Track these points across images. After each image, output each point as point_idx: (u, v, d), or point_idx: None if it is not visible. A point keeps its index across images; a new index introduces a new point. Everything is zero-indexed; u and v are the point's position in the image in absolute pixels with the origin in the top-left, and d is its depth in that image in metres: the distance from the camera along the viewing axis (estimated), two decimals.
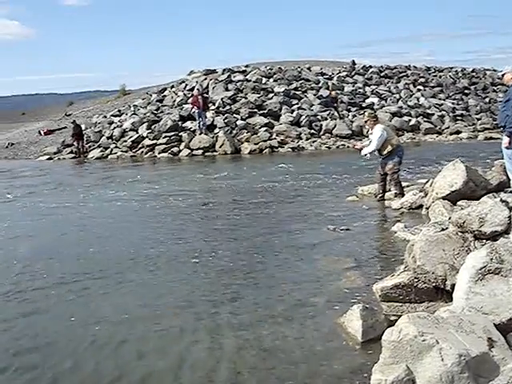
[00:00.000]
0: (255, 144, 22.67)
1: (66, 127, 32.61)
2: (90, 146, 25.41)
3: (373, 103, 27.88)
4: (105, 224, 10.46)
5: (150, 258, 7.85)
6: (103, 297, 6.41)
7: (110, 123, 27.65)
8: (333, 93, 26.82)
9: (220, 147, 22.61)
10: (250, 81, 28.61)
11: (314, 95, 27.47)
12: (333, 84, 29.20)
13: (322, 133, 24.16)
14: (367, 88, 30.52)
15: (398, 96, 29.82)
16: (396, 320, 4.54)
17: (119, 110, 30.38)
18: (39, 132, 33.40)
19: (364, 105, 27.59)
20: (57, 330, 5.57)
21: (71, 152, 25.63)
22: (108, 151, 24.39)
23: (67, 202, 13.07)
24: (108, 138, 25.66)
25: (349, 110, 26.55)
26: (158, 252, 8.11)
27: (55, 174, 19.83)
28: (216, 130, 23.70)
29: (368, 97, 29.11)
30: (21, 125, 57.60)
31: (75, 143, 25.55)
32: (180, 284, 6.68)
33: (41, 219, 11.26)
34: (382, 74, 33.96)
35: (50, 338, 5.36)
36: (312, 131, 24.18)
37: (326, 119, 24.83)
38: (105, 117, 30.37)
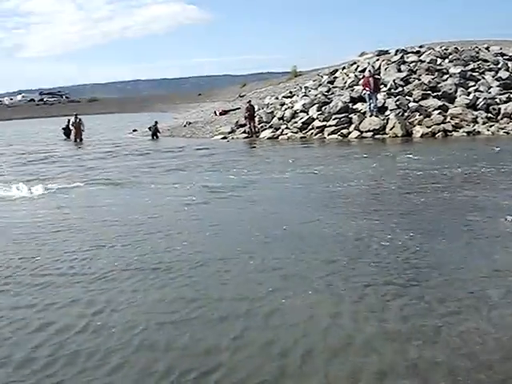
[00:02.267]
0: (427, 127, 22.01)
1: (239, 108, 33.87)
2: (261, 127, 26.22)
3: None
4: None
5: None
6: None
7: (282, 104, 28.25)
8: None
9: (390, 130, 22.26)
10: (424, 62, 27.66)
11: (493, 77, 25.97)
12: None
13: (500, 117, 22.84)
14: None
15: None
16: None
17: (290, 92, 30.91)
18: (214, 112, 35.05)
19: None
20: None
21: (244, 132, 26.65)
22: (279, 132, 25.03)
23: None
24: (279, 118, 26.27)
25: None
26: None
27: (233, 151, 20.75)
28: (387, 113, 23.30)
29: None
30: (197, 105, 60.83)
31: (248, 123, 26.51)
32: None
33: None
34: None
35: None
36: (489, 115, 22.92)
37: (506, 102, 23.42)
38: (276, 98, 31.07)
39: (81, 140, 30.73)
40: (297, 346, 4.76)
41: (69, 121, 32.70)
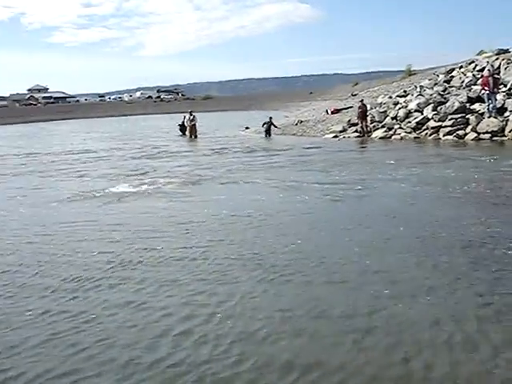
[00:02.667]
0: None
1: (351, 107, 33.71)
2: (374, 126, 26.01)
3: None
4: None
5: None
6: None
7: (395, 104, 27.86)
8: None
9: (510, 132, 21.38)
10: None
11: None
12: None
13: None
14: None
15: None
16: None
17: (405, 91, 30.41)
18: (326, 111, 35.04)
19: None
20: None
21: (356, 131, 26.54)
22: (391, 132, 24.74)
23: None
24: (392, 118, 25.94)
25: None
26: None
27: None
28: (506, 114, 22.38)
29: None
30: (308, 103, 61.00)
31: (360, 122, 26.38)
32: None
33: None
34: None
35: None
36: None
37: None
38: (390, 97, 30.68)
39: (195, 137, 31.68)
40: None
41: (184, 118, 33.76)
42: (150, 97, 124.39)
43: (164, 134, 35.79)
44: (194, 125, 32.23)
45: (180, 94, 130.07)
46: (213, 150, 23.89)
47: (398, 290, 6.16)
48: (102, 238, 9.17)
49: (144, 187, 14.30)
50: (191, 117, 32.43)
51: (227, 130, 36.42)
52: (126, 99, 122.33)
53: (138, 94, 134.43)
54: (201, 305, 6.03)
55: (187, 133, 32.63)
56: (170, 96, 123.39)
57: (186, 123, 33.18)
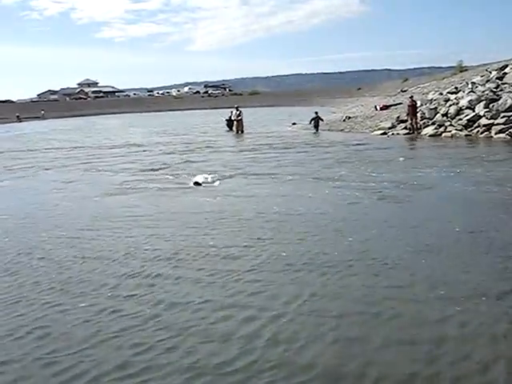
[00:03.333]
0: None
1: (401, 103, 33.24)
2: (423, 123, 25.56)
3: None
4: None
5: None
6: None
7: (446, 100, 27.33)
8: None
9: None
10: None
11: None
12: None
13: None
14: None
15: None
16: None
17: (456, 87, 29.79)
18: (375, 107, 34.66)
19: None
20: None
21: (405, 128, 26.13)
22: (442, 129, 24.28)
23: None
24: (443, 115, 25.43)
25: None
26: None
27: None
28: None
29: None
30: (356, 99, 60.47)
31: (409, 119, 25.96)
32: None
33: None
34: None
35: None
36: None
37: None
38: (440, 94, 30.12)
39: (242, 132, 31.73)
40: None
41: (231, 113, 33.84)
42: (197, 92, 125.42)
43: (211, 130, 35.97)
44: (241, 120, 32.25)
45: (227, 89, 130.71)
46: (260, 145, 23.91)
47: None
48: (152, 231, 9.31)
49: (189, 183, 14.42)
50: (238, 112, 32.48)
51: (274, 126, 36.38)
52: (174, 94, 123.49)
53: (185, 89, 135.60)
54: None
55: (234, 128, 32.69)
56: (217, 91, 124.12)
57: (233, 117, 33.26)
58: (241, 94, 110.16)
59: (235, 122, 32.59)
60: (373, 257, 7.38)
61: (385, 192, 11.95)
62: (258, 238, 8.51)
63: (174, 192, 13.25)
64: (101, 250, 8.35)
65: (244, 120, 32.67)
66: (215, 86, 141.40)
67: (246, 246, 8.14)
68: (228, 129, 34.01)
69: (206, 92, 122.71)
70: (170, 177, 15.64)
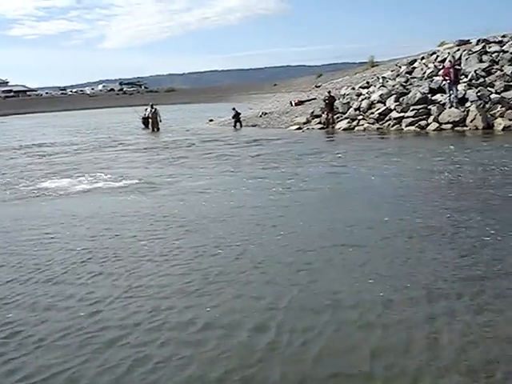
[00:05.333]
0: (510, 120, 21.28)
1: (315, 98, 33.69)
2: (337, 117, 26.05)
3: None
4: None
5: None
6: None
7: (358, 95, 27.98)
8: None
9: (471, 122, 21.65)
10: (507, 52, 26.70)
11: None
12: None
13: None
14: None
15: None
16: None
17: (367, 82, 30.53)
18: (290, 102, 34.94)
19: None
20: None
21: (319, 123, 26.56)
22: (355, 123, 24.82)
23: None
24: (355, 109, 26.01)
25: None
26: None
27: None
28: (467, 104, 22.64)
29: None
30: (272, 95, 60.84)
31: (323, 114, 26.41)
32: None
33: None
34: None
35: None
36: None
37: None
38: (353, 88, 30.78)
39: (158, 130, 31.37)
40: None
41: (146, 110, 33.41)
42: (112, 89, 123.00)
43: (126, 128, 35.34)
44: (156, 118, 31.87)
45: (143, 87, 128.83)
46: (174, 142, 23.70)
47: None
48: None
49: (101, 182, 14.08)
50: (153, 110, 32.08)
51: (191, 123, 36.16)
52: (88, 92, 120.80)
53: (100, 86, 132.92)
54: None
55: (150, 126, 32.27)
56: (132, 89, 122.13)
57: (148, 116, 32.82)
58: (157, 92, 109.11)
59: (151, 120, 32.20)
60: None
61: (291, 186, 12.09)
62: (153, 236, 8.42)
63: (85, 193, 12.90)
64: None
65: (160, 118, 32.29)
66: (130, 83, 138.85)
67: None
68: (144, 127, 33.52)
69: (121, 89, 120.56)
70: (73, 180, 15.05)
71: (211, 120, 35.87)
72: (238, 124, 30.37)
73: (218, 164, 16.27)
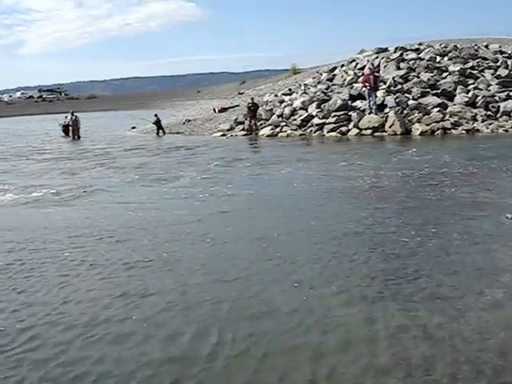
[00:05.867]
0: (427, 125, 21.98)
1: (238, 105, 33.78)
2: (260, 124, 26.16)
3: None
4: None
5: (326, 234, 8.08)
6: None
7: (281, 102, 28.23)
8: None
9: (390, 127, 22.23)
10: (424, 59, 27.66)
11: (492, 75, 25.94)
12: None
13: (499, 115, 22.82)
14: None
15: None
16: None
17: (290, 89, 30.88)
18: (213, 109, 34.90)
19: None
20: None
21: (243, 129, 26.61)
22: (278, 129, 24.97)
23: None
24: (278, 116, 26.21)
25: None
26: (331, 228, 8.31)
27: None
28: (386, 110, 23.26)
29: None
30: (196, 102, 60.71)
31: (246, 121, 26.49)
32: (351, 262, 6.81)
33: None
34: None
35: None
36: (488, 113, 22.93)
37: (505, 100, 23.36)
38: (276, 95, 31.04)
39: (78, 137, 30.62)
40: None
41: (66, 118, 32.67)
42: (31, 97, 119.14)
43: (46, 136, 34.25)
44: (77, 125, 31.11)
45: (63, 94, 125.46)
46: (93, 150, 23.12)
47: None
48: None
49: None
50: (73, 117, 31.30)
51: (113, 130, 35.46)
52: (6, 100, 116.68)
53: (18, 94, 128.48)
54: None
55: (70, 134, 31.49)
56: (52, 96, 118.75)
57: (68, 124, 32.03)
58: (77, 99, 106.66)
59: (71, 128, 31.42)
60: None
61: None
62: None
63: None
64: None
65: (81, 125, 31.55)
66: (50, 90, 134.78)
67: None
68: (64, 134, 32.67)
69: (41, 97, 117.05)
70: None
71: (134, 127, 35.30)
72: (160, 131, 30.11)
73: (140, 172, 15.94)
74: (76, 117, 31.32)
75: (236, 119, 28.18)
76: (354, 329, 5.07)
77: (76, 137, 30.70)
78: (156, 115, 30.78)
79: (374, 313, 5.38)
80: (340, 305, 5.63)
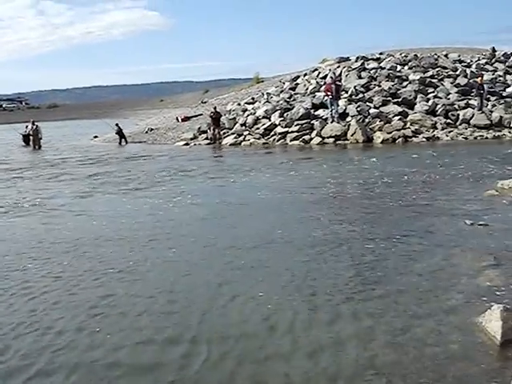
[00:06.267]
0: (388, 133, 22.26)
1: (201, 114, 33.70)
2: (224, 133, 26.14)
3: None
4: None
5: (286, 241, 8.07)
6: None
7: (244, 111, 28.26)
8: (478, 79, 24.85)
9: (352, 136, 22.44)
10: (384, 68, 28.04)
11: (451, 83, 26.42)
12: (471, 72, 27.84)
13: (458, 123, 23.23)
14: (508, 76, 28.79)
15: None
16: None
17: (253, 98, 30.93)
18: (176, 118, 34.76)
19: (504, 94, 26.10)
20: None
21: (206, 138, 26.56)
22: (241, 138, 24.99)
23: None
24: (242, 125, 26.25)
25: (488, 100, 25.22)
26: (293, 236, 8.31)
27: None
28: (348, 119, 23.50)
29: (509, 85, 27.47)
30: (159, 111, 60.44)
31: (210, 130, 26.48)
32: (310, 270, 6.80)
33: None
34: None
35: None
36: (448, 121, 23.32)
37: (464, 108, 23.80)
38: (239, 104, 31.06)
39: (39, 147, 30.14)
40: None
41: (27, 127, 32.22)
42: None
43: (5, 146, 33.62)
44: (37, 135, 30.62)
45: (23, 103, 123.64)
46: (53, 160, 22.77)
47: None
48: None
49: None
50: (34, 126, 30.81)
51: (75, 140, 35.03)
52: None
53: None
54: None
55: (31, 143, 31.00)
56: (12, 105, 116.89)
57: (29, 133, 31.54)
58: (38, 108, 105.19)
59: (32, 138, 30.93)
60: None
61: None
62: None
63: None
64: None
65: (42, 134, 31.06)
66: (10, 99, 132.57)
67: None
68: (25, 144, 32.17)
69: (0, 106, 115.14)
70: None
71: (96, 136, 34.95)
72: (123, 140, 29.88)
73: (101, 182, 15.74)
74: (37, 126, 30.84)
75: (199, 128, 28.11)
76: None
77: (37, 146, 30.23)
78: (117, 124, 30.55)
79: (338, 316, 5.38)
80: (309, 309, 5.62)
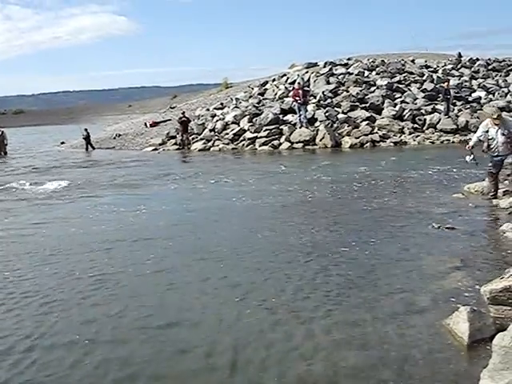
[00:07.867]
0: (356, 138, 22.42)
1: (170, 119, 33.53)
2: (193, 139, 26.04)
3: (480, 97, 26.72)
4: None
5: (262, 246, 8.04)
6: None
7: (213, 116, 28.19)
8: (445, 84, 25.17)
9: (320, 141, 22.54)
10: (352, 74, 28.28)
11: (418, 88, 26.75)
12: (438, 77, 28.24)
13: (425, 127, 23.50)
14: (474, 81, 29.28)
15: (506, 90, 28.40)
16: (505, 324, 4.43)
17: (222, 103, 30.89)
18: (145, 124, 34.52)
19: (470, 99, 26.52)
20: None
21: (175, 144, 26.44)
22: (210, 143, 24.93)
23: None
24: (210, 130, 26.19)
25: (454, 104, 25.58)
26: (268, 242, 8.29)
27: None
28: (317, 124, 23.60)
29: (475, 90, 27.97)
30: (127, 117, 60.01)
31: (178, 135, 26.38)
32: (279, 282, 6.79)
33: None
34: (490, 67, 32.37)
35: None
36: (415, 125, 23.58)
37: (431, 113, 24.09)
38: (208, 110, 30.97)
39: (5, 153, 29.65)
40: None
41: None
42: None
43: None
44: (3, 141, 30.09)
45: None
46: (21, 168, 22.44)
47: None
48: None
49: None
50: None
51: (41, 146, 34.55)
52: None
53: None
54: None
55: None
56: None
57: None
58: (4, 113, 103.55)
59: None
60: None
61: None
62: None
63: None
64: None
65: (7, 141, 30.53)
66: None
67: None
68: None
69: None
70: None
71: (63, 142, 34.55)
72: (89, 146, 29.60)
73: (70, 189, 15.54)
74: (2, 132, 30.35)
75: (168, 133, 27.97)
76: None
77: (2, 153, 29.72)
78: (86, 130, 30.28)
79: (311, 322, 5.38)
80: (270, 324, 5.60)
